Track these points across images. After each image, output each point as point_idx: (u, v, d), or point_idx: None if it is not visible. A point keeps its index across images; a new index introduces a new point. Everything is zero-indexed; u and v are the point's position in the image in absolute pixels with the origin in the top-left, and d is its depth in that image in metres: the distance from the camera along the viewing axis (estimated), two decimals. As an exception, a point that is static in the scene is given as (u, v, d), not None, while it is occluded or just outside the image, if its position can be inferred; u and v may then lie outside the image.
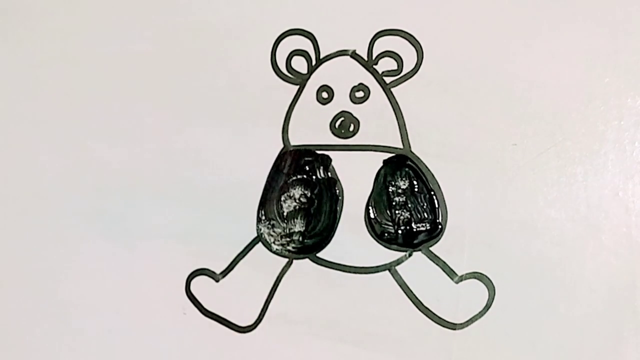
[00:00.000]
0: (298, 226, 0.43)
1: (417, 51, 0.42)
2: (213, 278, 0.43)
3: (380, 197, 0.42)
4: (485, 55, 0.41)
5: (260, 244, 0.43)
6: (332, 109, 0.42)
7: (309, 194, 0.43)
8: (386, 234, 0.42)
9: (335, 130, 0.42)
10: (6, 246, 0.44)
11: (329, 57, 0.43)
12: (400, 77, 0.42)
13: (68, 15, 0.44)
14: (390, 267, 0.42)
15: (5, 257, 0.44)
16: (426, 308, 0.41)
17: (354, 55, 0.42)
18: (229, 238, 0.43)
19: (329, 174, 0.43)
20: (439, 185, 0.41)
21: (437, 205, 0.41)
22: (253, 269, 0.43)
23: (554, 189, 0.41)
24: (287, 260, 0.43)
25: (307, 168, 0.43)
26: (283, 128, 0.43)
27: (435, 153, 0.41)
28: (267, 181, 0.43)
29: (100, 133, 0.44)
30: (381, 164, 0.42)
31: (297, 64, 0.43)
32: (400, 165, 0.42)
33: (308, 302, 0.42)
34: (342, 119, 0.42)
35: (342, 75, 0.42)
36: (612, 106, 0.40)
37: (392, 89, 0.42)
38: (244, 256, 0.43)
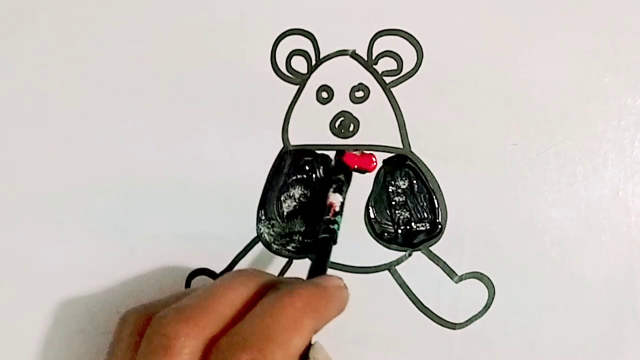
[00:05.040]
0: (298, 226, 0.43)
1: (417, 51, 0.42)
2: (213, 278, 0.43)
3: (380, 197, 0.42)
4: (485, 55, 0.41)
5: (260, 244, 0.43)
6: (332, 109, 0.42)
7: (309, 194, 0.43)
8: (386, 234, 0.42)
9: (335, 130, 0.42)
10: (5, 246, 0.44)
11: (329, 57, 0.43)
12: (400, 77, 0.42)
13: (68, 15, 0.44)
14: (390, 267, 0.42)
15: (4, 257, 0.44)
16: (426, 308, 0.41)
17: (354, 55, 0.42)
18: (229, 238, 0.43)
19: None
20: (439, 185, 0.41)
21: (437, 205, 0.41)
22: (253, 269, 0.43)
23: (554, 189, 0.41)
24: (287, 260, 0.43)
25: (307, 168, 0.43)
26: (283, 128, 0.43)
27: (435, 153, 0.41)
28: (267, 181, 0.43)
29: (100, 133, 0.44)
30: (381, 164, 0.42)
31: (297, 64, 0.43)
32: (400, 165, 0.42)
33: (308, 302, 0.42)
34: (342, 119, 0.42)
35: (342, 75, 0.42)
36: (612, 106, 0.40)
37: (392, 89, 0.42)
38: (244, 256, 0.43)
